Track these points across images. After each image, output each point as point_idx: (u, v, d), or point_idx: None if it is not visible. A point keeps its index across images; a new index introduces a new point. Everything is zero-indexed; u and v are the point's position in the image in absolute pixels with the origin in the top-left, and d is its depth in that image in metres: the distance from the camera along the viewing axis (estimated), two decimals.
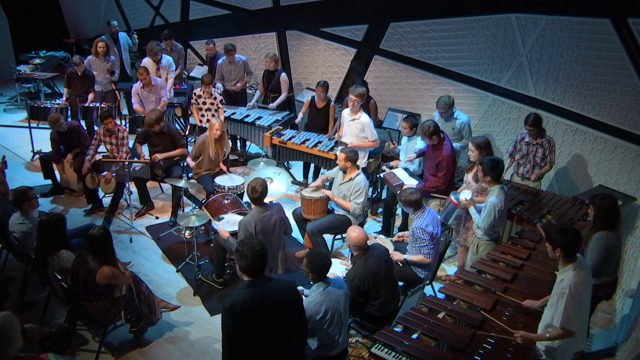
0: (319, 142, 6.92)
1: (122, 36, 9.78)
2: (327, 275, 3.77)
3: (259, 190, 4.69)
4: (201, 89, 7.42)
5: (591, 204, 4.31)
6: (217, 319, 4.72)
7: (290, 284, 3.41)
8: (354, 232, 4.27)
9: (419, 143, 6.00)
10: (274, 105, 7.95)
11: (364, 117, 6.26)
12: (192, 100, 7.60)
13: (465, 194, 5.03)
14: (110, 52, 9.43)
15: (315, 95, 7.17)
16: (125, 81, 9.33)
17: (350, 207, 5.45)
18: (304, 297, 3.78)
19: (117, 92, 8.71)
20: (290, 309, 3.27)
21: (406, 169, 6.08)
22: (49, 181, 7.03)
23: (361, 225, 5.74)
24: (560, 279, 3.50)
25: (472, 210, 4.91)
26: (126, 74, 9.67)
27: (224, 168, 6.45)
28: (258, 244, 3.27)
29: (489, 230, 4.81)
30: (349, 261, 5.14)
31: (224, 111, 7.64)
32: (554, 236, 3.44)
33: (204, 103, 7.46)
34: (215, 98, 7.44)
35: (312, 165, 7.51)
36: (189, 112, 8.98)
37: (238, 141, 8.67)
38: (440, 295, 4.28)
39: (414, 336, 3.66)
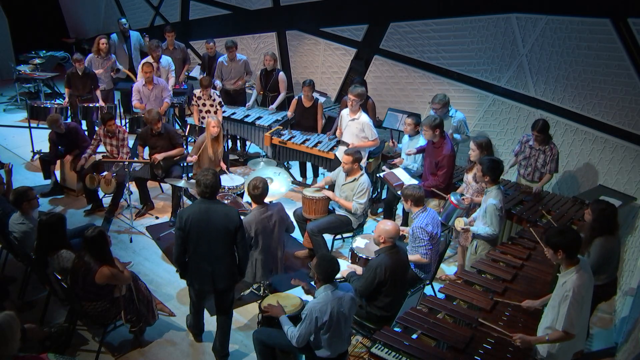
0: (319, 142, 6.92)
1: (134, 35, 9.76)
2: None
3: (260, 187, 4.68)
4: (200, 91, 7.41)
5: (590, 209, 4.30)
6: None
7: (234, 213, 4.05)
8: (387, 225, 4.24)
9: (420, 142, 6.00)
10: (273, 106, 7.93)
11: (363, 117, 6.26)
12: (192, 102, 7.60)
13: (456, 196, 5.14)
14: (118, 50, 9.45)
15: (302, 95, 7.17)
16: (128, 81, 9.29)
17: (353, 206, 5.44)
18: (310, 299, 3.81)
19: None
20: (227, 230, 3.98)
21: (407, 170, 6.07)
22: (49, 181, 7.04)
23: (361, 225, 5.74)
24: (562, 281, 3.46)
25: (478, 236, 4.86)
26: (135, 73, 9.61)
27: (224, 166, 6.45)
28: (212, 176, 3.96)
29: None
30: (349, 260, 5.15)
31: (224, 112, 7.63)
32: (553, 239, 3.41)
33: (204, 105, 7.46)
34: (214, 100, 7.43)
35: (309, 164, 7.50)
36: (187, 113, 9.00)
37: (238, 141, 8.66)
38: (440, 295, 4.29)
39: (414, 336, 3.66)
